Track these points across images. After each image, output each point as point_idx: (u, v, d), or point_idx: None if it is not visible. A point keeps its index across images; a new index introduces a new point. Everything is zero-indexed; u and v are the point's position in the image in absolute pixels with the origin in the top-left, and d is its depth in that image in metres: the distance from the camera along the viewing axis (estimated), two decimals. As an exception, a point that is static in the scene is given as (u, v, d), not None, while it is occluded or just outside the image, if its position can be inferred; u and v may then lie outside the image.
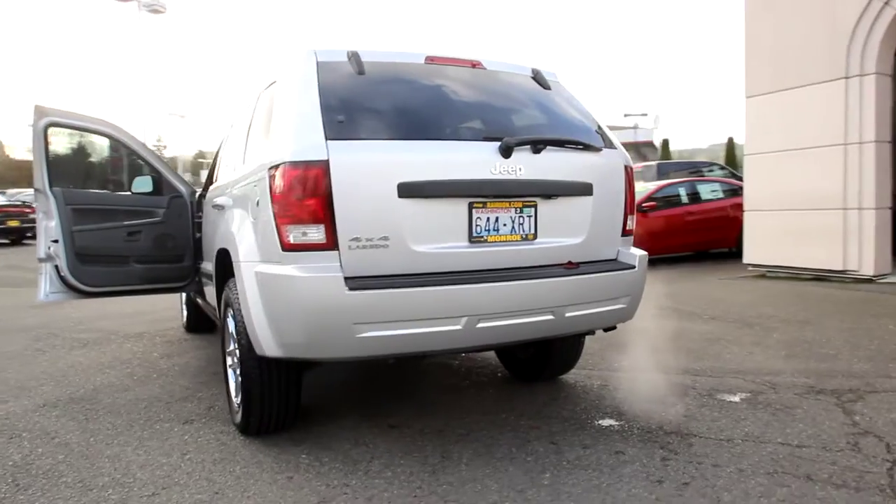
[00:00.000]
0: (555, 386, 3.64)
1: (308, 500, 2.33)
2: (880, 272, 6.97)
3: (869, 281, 6.92)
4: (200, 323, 5.38)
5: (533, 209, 2.63)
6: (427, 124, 2.56)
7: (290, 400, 2.81)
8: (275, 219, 2.40)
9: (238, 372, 2.82)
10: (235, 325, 2.81)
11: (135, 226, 4.50)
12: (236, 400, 3.04)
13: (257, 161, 2.72)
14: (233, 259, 2.77)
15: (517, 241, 2.61)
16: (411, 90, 2.72)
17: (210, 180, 4.77)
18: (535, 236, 2.64)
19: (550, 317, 2.60)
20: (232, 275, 3.11)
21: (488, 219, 2.55)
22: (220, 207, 3.33)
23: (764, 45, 7.91)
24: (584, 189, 2.75)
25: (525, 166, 2.57)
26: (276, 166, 2.42)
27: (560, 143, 2.71)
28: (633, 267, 2.84)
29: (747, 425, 2.94)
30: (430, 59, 2.81)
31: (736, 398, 3.33)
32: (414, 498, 2.32)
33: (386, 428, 3.03)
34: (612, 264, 2.83)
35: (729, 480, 2.40)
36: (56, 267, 4.21)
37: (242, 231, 2.72)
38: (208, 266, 3.70)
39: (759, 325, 5.13)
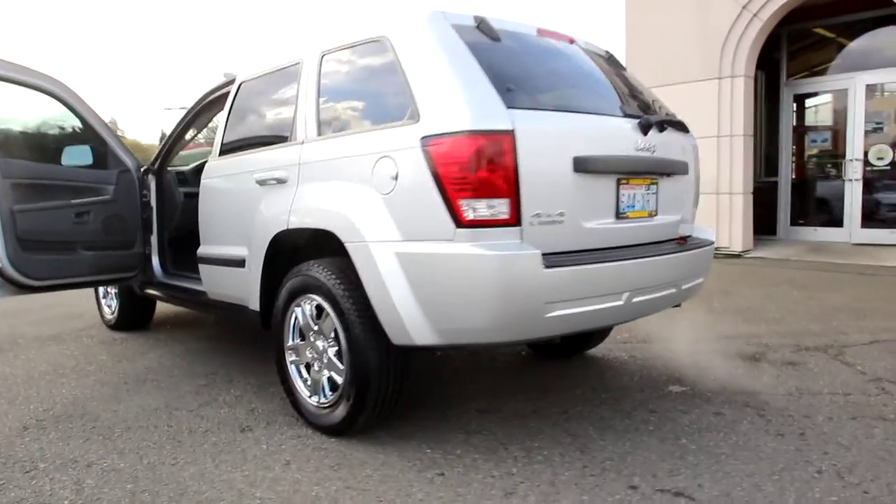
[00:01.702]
0: (587, 361, 3.75)
1: (491, 495, 2.18)
2: (746, 248, 8.14)
3: (738, 256, 8.05)
4: (136, 318, 4.62)
5: (656, 186, 2.69)
6: (579, 97, 2.48)
7: (401, 390, 2.58)
8: (444, 193, 2.17)
9: (347, 365, 2.51)
10: (340, 315, 2.49)
11: (83, 205, 3.74)
12: (312, 399, 2.71)
13: (377, 133, 2.42)
14: (345, 240, 2.44)
15: (645, 217, 2.65)
16: (549, 61, 2.61)
17: (167, 153, 4.12)
18: (655, 213, 2.71)
19: (673, 290, 2.70)
20: (301, 259, 2.78)
21: (629, 195, 2.55)
22: (268, 183, 2.90)
23: (645, 44, 8.70)
24: (685, 168, 2.88)
25: (656, 144, 2.62)
26: (443, 135, 2.18)
27: (677, 125, 2.80)
28: (713, 242, 3.04)
29: (788, 381, 3.29)
30: (541, 32, 2.73)
31: (754, 358, 3.70)
32: (593, 476, 2.27)
33: (479, 413, 2.90)
34: (700, 240, 3.00)
35: (831, 427, 2.68)
36: (-10, 256, 3.35)
37: (362, 208, 2.41)
38: (227, 250, 3.20)
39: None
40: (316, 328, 2.68)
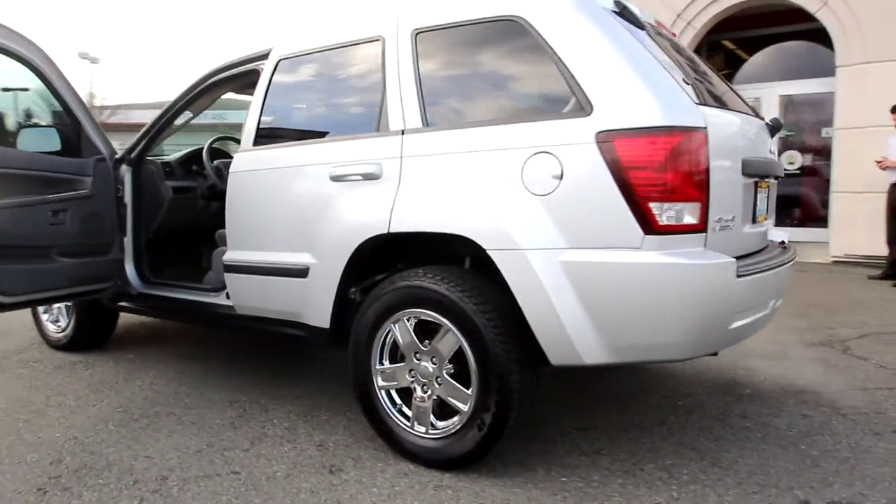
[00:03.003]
0: (630, 367, 3.64)
1: (678, 526, 1.99)
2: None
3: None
4: (97, 336, 3.86)
5: (767, 190, 2.63)
6: (716, 94, 2.33)
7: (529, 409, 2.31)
8: (631, 195, 1.93)
9: (477, 389, 2.19)
10: (471, 332, 2.17)
11: (60, 202, 3.04)
12: (417, 429, 2.36)
13: (527, 125, 2.12)
14: (489, 246, 2.12)
15: (762, 221, 2.58)
16: (679, 54, 2.44)
17: (150, 141, 3.47)
18: (765, 217, 2.65)
19: (778, 301, 2.66)
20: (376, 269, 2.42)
21: (759, 199, 2.46)
22: (349, 179, 2.47)
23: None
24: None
25: (773, 147, 2.57)
26: (629, 131, 1.94)
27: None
28: (785, 243, 3.05)
29: (827, 376, 3.41)
30: (657, 23, 2.56)
31: (779, 356, 3.81)
32: (756, 494, 2.15)
33: (581, 431, 2.68)
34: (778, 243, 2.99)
35: (916, 424, 2.80)
36: (-50, 268, 2.60)
37: (511, 211, 2.10)
38: (276, 257, 2.71)
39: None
40: (426, 348, 2.33)
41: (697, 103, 2.03)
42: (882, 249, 6.49)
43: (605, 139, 1.98)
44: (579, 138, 2.02)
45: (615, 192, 1.96)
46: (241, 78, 3.17)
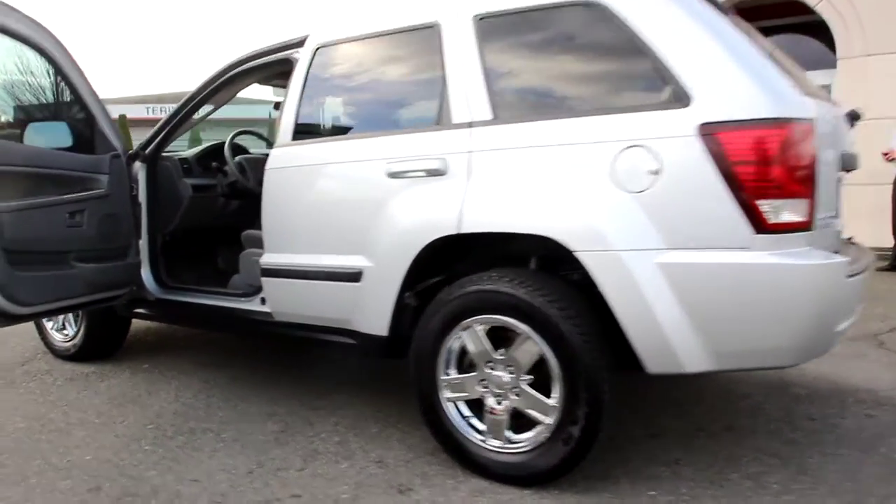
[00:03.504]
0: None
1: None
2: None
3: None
4: (108, 345, 3.60)
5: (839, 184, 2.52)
6: (806, 83, 2.21)
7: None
8: (739, 191, 1.80)
9: (563, 400, 2.04)
10: (556, 339, 2.02)
11: (78, 202, 2.80)
12: (491, 443, 2.20)
13: (615, 117, 1.97)
14: (578, 248, 1.96)
15: (834, 217, 2.47)
16: (761, 40, 2.30)
17: (166, 136, 3.24)
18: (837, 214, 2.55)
19: None
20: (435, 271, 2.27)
21: (840, 193, 2.35)
22: (409, 176, 2.29)
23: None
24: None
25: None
26: (736, 123, 1.80)
27: None
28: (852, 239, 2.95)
29: (873, 373, 3.35)
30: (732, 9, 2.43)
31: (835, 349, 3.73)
32: (855, 495, 2.07)
33: (651, 438, 2.56)
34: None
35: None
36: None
37: (602, 209, 1.95)
38: (324, 260, 2.52)
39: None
40: (501, 357, 2.17)
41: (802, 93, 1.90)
42: (888, 241, 6.51)
43: (709, 132, 1.84)
44: (679, 131, 1.87)
45: (721, 188, 1.82)
46: (270, 68, 2.96)
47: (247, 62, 2.96)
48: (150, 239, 3.29)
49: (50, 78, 2.81)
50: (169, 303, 3.24)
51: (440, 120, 2.31)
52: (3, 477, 2.32)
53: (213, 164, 3.54)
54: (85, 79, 2.87)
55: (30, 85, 2.80)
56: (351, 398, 3.01)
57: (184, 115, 3.16)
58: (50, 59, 2.73)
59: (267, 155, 4.04)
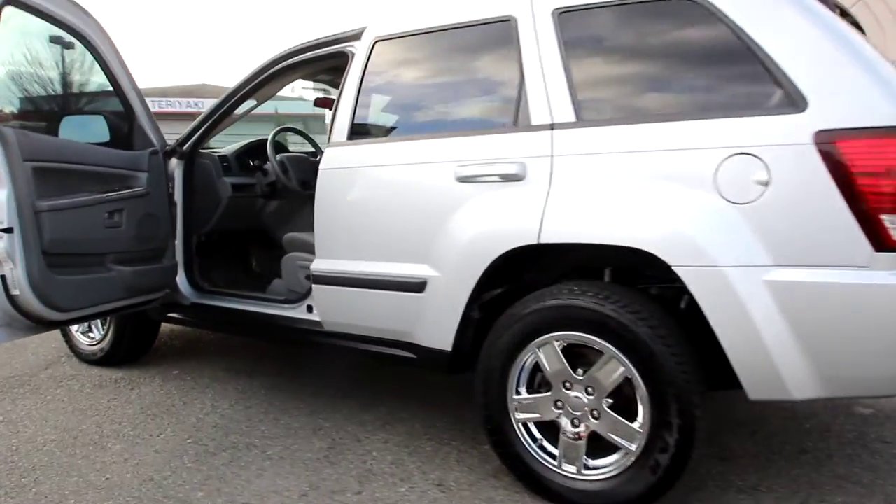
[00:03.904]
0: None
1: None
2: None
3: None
4: (138, 349, 3.45)
5: None
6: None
7: None
8: (860, 205, 1.65)
9: (649, 426, 1.89)
10: (644, 359, 1.88)
11: (116, 201, 2.65)
12: (566, 469, 2.06)
13: (718, 122, 1.82)
14: (676, 263, 1.81)
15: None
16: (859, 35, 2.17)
17: (206, 131, 3.09)
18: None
19: None
20: (520, 289, 2.15)
21: None
22: (481, 180, 2.14)
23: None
24: None
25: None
26: (860, 131, 1.66)
27: None
28: None
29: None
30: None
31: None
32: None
33: (723, 461, 2.41)
34: None
35: None
36: (2, 279, 2.20)
37: (703, 221, 1.80)
38: (384, 268, 2.37)
39: None
40: (581, 377, 2.03)
41: None
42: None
43: (827, 140, 1.69)
44: (792, 138, 1.73)
45: (838, 201, 1.68)
46: (321, 62, 2.80)
47: (295, 55, 2.80)
48: (185, 240, 3.14)
49: (89, 67, 2.66)
50: (204, 307, 3.09)
51: (517, 121, 2.16)
52: (40, 496, 2.17)
53: (254, 162, 3.38)
54: (126, 69, 2.72)
55: (67, 74, 2.65)
56: (397, 410, 2.86)
57: (226, 110, 3.00)
58: (90, 47, 2.57)
59: (309, 154, 3.94)
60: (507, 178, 2.11)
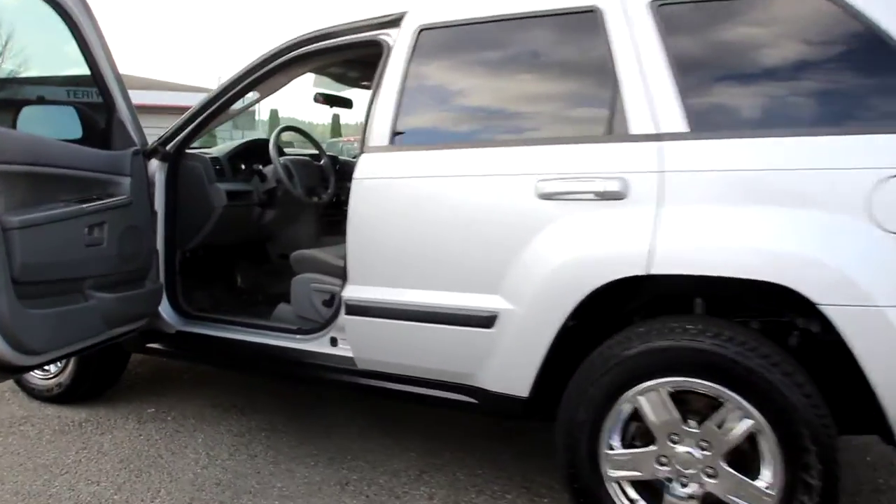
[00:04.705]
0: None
1: None
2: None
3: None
4: (103, 383, 2.90)
5: None
6: None
7: None
8: None
9: (784, 485, 1.62)
10: (775, 411, 1.61)
11: (96, 212, 2.15)
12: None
13: (870, 137, 1.57)
14: (823, 301, 1.54)
15: None
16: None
17: (195, 129, 2.62)
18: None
19: None
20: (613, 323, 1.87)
21: None
22: (571, 198, 1.82)
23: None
24: None
25: None
26: None
27: None
28: None
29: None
30: None
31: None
32: None
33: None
34: None
35: None
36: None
37: (854, 253, 1.55)
38: (439, 298, 1.99)
39: None
40: (696, 430, 1.74)
41: None
42: None
43: None
44: None
45: None
46: (342, 52, 2.40)
47: (310, 43, 2.36)
48: (168, 257, 2.64)
49: (60, 45, 2.14)
50: (192, 336, 2.61)
51: (612, 128, 1.85)
52: None
53: (249, 165, 2.91)
54: (109, 53, 2.21)
55: (35, 53, 2.13)
56: (427, 455, 2.49)
57: (221, 105, 2.53)
58: (71, 23, 2.06)
59: (313, 157, 3.45)
60: (605, 195, 1.79)
